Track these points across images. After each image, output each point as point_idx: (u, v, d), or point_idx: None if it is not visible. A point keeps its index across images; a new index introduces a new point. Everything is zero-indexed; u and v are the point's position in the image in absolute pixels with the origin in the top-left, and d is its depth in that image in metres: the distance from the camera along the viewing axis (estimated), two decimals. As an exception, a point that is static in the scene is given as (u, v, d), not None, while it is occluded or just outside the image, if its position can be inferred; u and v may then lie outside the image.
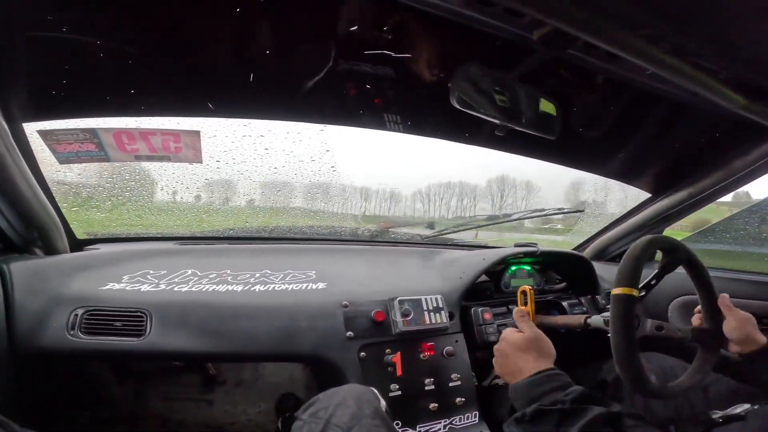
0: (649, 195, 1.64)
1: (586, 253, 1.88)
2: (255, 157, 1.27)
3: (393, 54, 0.92)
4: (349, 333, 1.12)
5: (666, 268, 0.99)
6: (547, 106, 0.94)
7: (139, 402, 1.42)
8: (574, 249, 1.94)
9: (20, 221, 1.03)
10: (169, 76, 0.99)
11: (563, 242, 2.06)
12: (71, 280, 1.05)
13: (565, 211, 1.88)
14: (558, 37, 0.66)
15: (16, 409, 0.69)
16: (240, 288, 1.16)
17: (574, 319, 1.28)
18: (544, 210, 1.86)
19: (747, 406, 0.84)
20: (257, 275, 1.23)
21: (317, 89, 1.03)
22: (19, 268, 0.99)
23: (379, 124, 1.19)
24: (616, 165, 1.53)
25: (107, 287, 1.07)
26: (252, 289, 1.17)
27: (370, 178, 1.62)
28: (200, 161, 1.19)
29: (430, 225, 1.78)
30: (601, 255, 1.87)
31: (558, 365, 1.49)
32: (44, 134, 1.00)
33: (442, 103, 0.86)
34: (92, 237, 1.33)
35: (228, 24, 0.86)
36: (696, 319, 1.07)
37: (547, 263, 1.70)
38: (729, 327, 0.95)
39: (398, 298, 1.18)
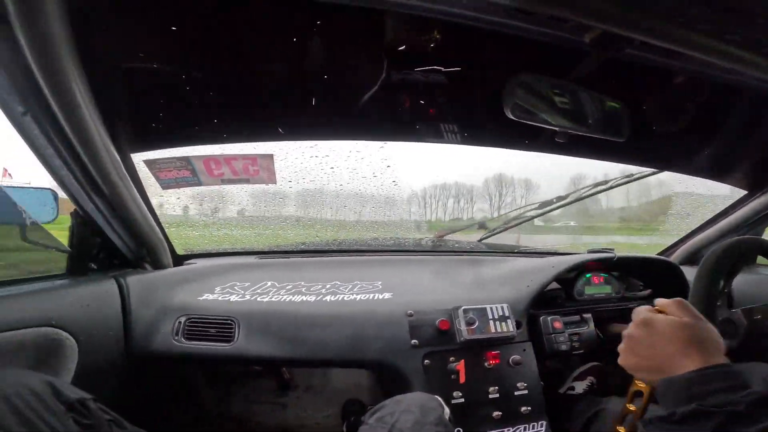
0: (744, 192, 1.46)
1: (675, 257, 1.71)
2: (322, 176, 1.38)
3: (443, 68, 0.95)
4: (414, 341, 1.15)
5: None
6: (612, 108, 0.90)
7: (224, 403, 1.55)
8: (660, 253, 1.78)
9: (133, 240, 1.20)
10: (244, 106, 1.11)
11: (647, 246, 1.89)
12: (175, 292, 1.22)
13: (637, 176, 1.54)
14: (610, 38, 0.64)
15: (127, 407, 0.81)
16: (313, 298, 1.25)
17: None
18: (608, 182, 1.59)
19: None
20: (328, 286, 1.32)
21: (375, 108, 1.10)
22: (134, 281, 1.16)
23: (437, 137, 1.22)
24: (702, 161, 1.39)
25: (203, 297, 1.22)
26: (324, 299, 1.25)
27: (429, 190, 1.65)
28: (275, 182, 1.32)
29: (482, 225, 1.72)
30: (693, 259, 1.69)
31: (622, 380, 1.38)
32: (149, 163, 1.18)
33: (499, 113, 0.87)
34: (189, 253, 1.52)
35: (288, 54, 0.95)
36: None
37: (629, 270, 1.58)
38: None
39: (463, 307, 1.18)
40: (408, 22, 0.89)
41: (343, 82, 1.06)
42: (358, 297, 1.27)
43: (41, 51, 0.68)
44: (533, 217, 1.69)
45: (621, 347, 0.73)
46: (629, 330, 0.71)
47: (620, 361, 0.73)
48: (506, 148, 1.32)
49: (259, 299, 1.24)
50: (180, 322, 1.14)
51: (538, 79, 0.84)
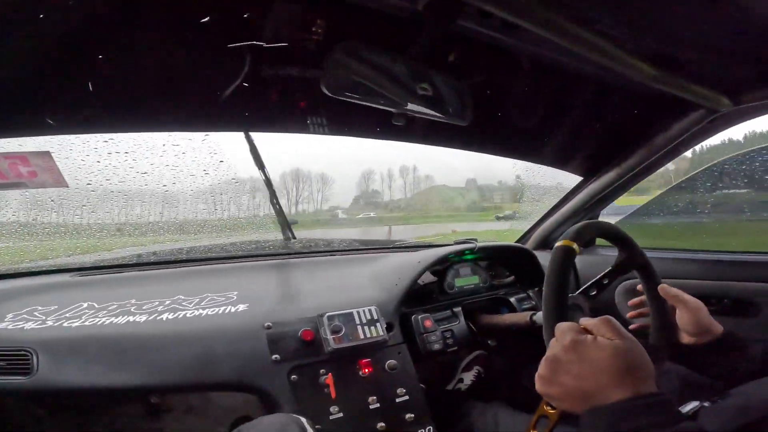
0: (580, 178, 1.64)
1: (530, 243, 1.86)
2: (134, 176, 1.11)
3: (264, 45, 0.79)
4: (275, 356, 1.01)
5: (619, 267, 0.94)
6: (452, 89, 0.85)
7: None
8: (517, 240, 1.92)
9: None
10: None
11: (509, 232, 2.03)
12: None
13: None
14: (446, 4, 0.58)
15: None
16: (143, 318, 1.03)
17: (520, 317, 1.23)
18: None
19: (696, 403, 0.78)
20: (167, 302, 1.10)
21: (186, 92, 0.90)
22: None
23: (264, 126, 1.06)
24: (541, 149, 1.51)
25: (-15, 327, 0.93)
26: (159, 318, 1.04)
27: (283, 183, 1.51)
28: (65, 185, 1.04)
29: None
30: (544, 244, 1.86)
31: (511, 366, 1.46)
32: None
33: (324, 95, 0.74)
34: (-28, 274, 1.14)
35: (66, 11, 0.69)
36: (635, 306, 1.03)
37: (492, 258, 1.66)
38: (682, 319, 0.89)
39: (327, 314, 1.08)
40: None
41: (142, 56, 0.81)
42: (205, 312, 1.08)
43: None
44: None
45: (541, 373, 0.64)
46: (554, 353, 0.63)
47: (539, 388, 0.64)
48: (331, 134, 1.17)
49: (66, 324, 0.99)
50: None
51: (365, 51, 0.72)
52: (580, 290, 0.96)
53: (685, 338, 0.91)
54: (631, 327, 0.99)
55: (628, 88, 0.93)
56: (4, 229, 1.17)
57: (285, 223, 1.47)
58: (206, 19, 0.72)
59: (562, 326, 0.65)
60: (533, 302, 1.51)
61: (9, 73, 0.76)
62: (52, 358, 0.92)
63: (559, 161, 1.58)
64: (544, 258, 1.60)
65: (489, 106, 1.10)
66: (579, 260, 1.20)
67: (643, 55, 0.74)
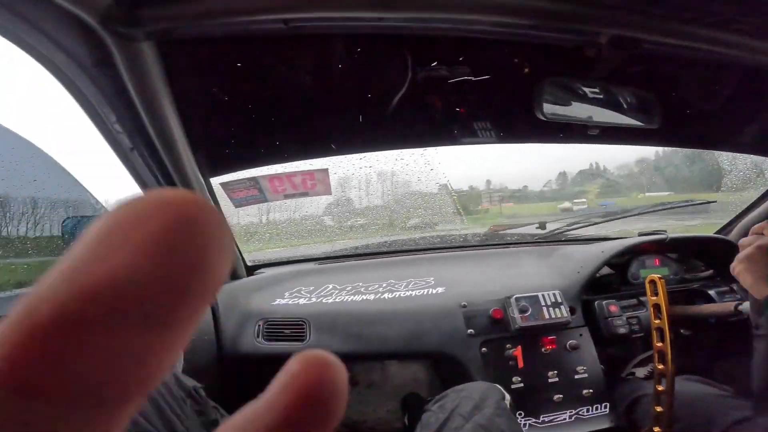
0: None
1: (733, 235, 1.65)
2: (371, 184, 1.49)
3: (473, 78, 1.02)
4: (470, 331, 1.21)
5: None
6: (639, 97, 0.93)
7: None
8: (716, 233, 1.72)
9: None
10: (298, 128, 1.24)
11: (701, 226, 1.83)
12: (251, 299, 1.37)
13: (696, 202, 1.70)
14: (623, 39, 0.68)
15: (224, 404, 0.89)
16: (372, 297, 1.35)
17: (723, 306, 1.17)
18: (669, 203, 1.70)
19: None
20: (384, 285, 1.41)
21: (415, 119, 1.20)
22: (220, 292, 1.32)
23: (473, 138, 1.29)
24: (745, 137, 1.35)
25: (276, 302, 1.35)
26: (382, 296, 1.35)
27: (474, 188, 1.72)
28: (330, 194, 1.44)
29: (542, 225, 1.77)
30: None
31: (705, 359, 1.35)
32: (224, 186, 1.32)
33: (531, 113, 0.93)
34: (257, 263, 1.68)
35: (331, 83, 1.08)
36: None
37: (685, 251, 1.55)
38: None
39: (515, 296, 1.23)
40: (437, 42, 0.97)
41: (385, 101, 1.15)
42: (413, 293, 1.35)
43: (143, 91, 0.77)
44: (595, 224, 1.77)
45: (735, 265, 0.91)
46: (747, 252, 0.89)
47: (735, 273, 0.91)
48: (543, 142, 1.37)
49: (324, 301, 1.35)
50: (259, 326, 1.28)
51: (566, 80, 0.88)
52: None
53: None
54: None
55: None
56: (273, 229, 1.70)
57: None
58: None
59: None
60: (738, 296, 1.37)
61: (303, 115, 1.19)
62: (318, 328, 1.25)
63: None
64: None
65: (679, 105, 1.11)
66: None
67: None
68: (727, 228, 1.69)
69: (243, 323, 1.29)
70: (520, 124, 1.26)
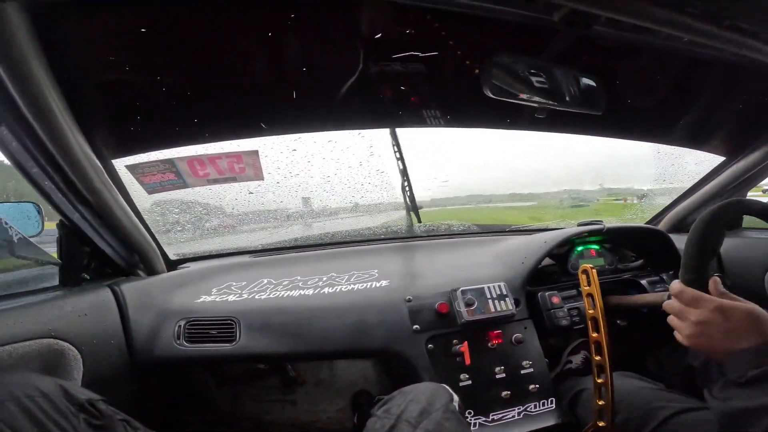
0: (723, 158, 1.50)
1: (662, 225, 1.75)
2: (307, 168, 1.37)
3: (420, 54, 0.95)
4: (416, 326, 1.16)
5: None
6: (587, 83, 0.91)
7: (236, 404, 1.55)
8: (647, 223, 1.82)
9: (123, 247, 1.19)
10: (224, 104, 1.10)
11: (633, 218, 1.93)
12: (171, 296, 1.22)
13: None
14: (579, 16, 0.65)
15: (140, 414, 0.81)
16: (311, 291, 1.26)
17: (656, 296, 1.20)
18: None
19: None
20: (324, 278, 1.32)
21: (356, 98, 1.09)
22: (129, 289, 1.15)
23: (420, 122, 1.22)
24: (679, 131, 1.43)
25: (201, 300, 1.21)
26: (322, 291, 1.26)
27: (419, 176, 1.66)
28: (262, 178, 1.31)
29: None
30: (680, 226, 1.73)
31: (638, 347, 1.42)
32: (132, 168, 1.15)
33: (479, 95, 0.87)
34: (181, 257, 1.51)
35: (265, 48, 0.95)
36: None
37: (619, 241, 1.61)
38: None
39: (461, 289, 1.19)
40: (383, 10, 0.88)
41: (322, 74, 1.05)
42: (356, 286, 1.28)
43: (8, 58, 0.69)
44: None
45: (690, 331, 0.77)
46: (703, 316, 0.75)
47: (688, 341, 0.78)
48: (488, 127, 1.34)
49: (257, 297, 1.24)
50: (180, 326, 1.14)
51: (514, 59, 0.85)
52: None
53: None
54: None
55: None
56: (209, 221, 1.53)
57: (414, 210, 1.64)
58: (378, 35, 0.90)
59: (705, 297, 0.77)
60: (666, 285, 1.44)
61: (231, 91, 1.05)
62: (249, 327, 1.14)
63: (698, 141, 1.48)
64: (679, 240, 1.51)
65: (623, 94, 1.11)
66: (726, 243, 1.11)
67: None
68: (657, 218, 1.79)
69: (159, 324, 1.14)
70: (468, 108, 1.21)
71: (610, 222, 1.50)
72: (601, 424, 1.00)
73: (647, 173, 1.82)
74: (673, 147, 1.56)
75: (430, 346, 1.15)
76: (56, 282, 1.08)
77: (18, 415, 0.62)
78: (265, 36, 0.91)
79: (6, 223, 1.03)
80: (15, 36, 0.67)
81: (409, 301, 1.20)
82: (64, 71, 0.80)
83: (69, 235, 1.07)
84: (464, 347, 1.15)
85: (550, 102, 0.89)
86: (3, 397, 0.64)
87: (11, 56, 0.69)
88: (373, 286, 1.28)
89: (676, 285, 0.80)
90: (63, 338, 0.89)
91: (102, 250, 1.13)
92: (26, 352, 0.83)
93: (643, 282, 1.44)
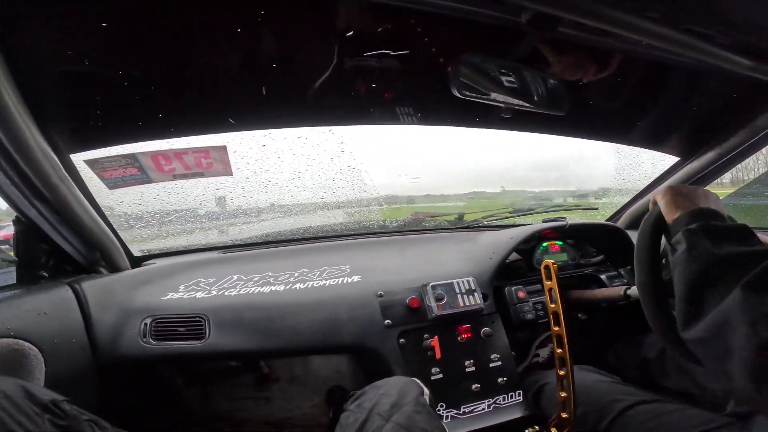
0: (677, 159, 1.59)
1: (620, 222, 1.84)
2: (278, 164, 1.36)
3: (392, 52, 0.96)
4: (387, 321, 1.18)
5: None
6: (553, 84, 0.95)
7: (207, 403, 1.53)
8: (608, 220, 1.91)
9: (83, 244, 1.15)
10: (190, 97, 1.07)
11: (595, 214, 2.02)
12: (136, 294, 1.18)
13: (582, 207, 1.92)
14: (544, 18, 0.67)
15: (107, 414, 0.79)
16: (282, 287, 1.25)
17: (613, 291, 1.26)
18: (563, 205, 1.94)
19: None
20: (296, 274, 1.31)
21: (328, 94, 1.09)
22: (90, 287, 1.11)
23: (391, 119, 1.23)
24: (637, 132, 1.50)
25: (167, 297, 1.18)
26: (293, 287, 1.25)
27: (390, 173, 1.67)
28: (230, 174, 1.27)
29: (460, 216, 1.80)
30: (636, 223, 1.82)
31: (598, 340, 1.50)
32: (91, 163, 1.10)
33: (448, 93, 0.88)
34: (147, 253, 1.46)
35: (235, 40, 0.92)
36: None
37: (581, 237, 1.68)
38: None
39: (431, 284, 1.22)
40: (353, 6, 0.88)
41: (292, 70, 1.04)
42: (328, 282, 1.28)
43: None
44: (506, 217, 1.88)
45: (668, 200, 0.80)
46: (670, 195, 0.79)
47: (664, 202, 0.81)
48: (456, 126, 1.36)
49: (227, 293, 1.22)
50: (146, 324, 1.11)
51: (482, 59, 0.87)
52: None
53: None
54: None
55: (727, 73, 0.93)
56: (175, 217, 1.48)
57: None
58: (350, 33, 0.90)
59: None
60: (624, 280, 1.52)
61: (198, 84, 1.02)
62: (219, 324, 1.12)
63: (655, 142, 1.57)
64: (636, 238, 1.59)
65: (585, 95, 1.16)
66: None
67: (739, 49, 0.75)
68: (617, 215, 1.88)
69: (124, 322, 1.11)
70: (438, 106, 1.23)
71: (573, 219, 1.57)
72: (564, 415, 1.05)
73: (608, 173, 1.91)
74: (631, 147, 1.64)
75: (401, 340, 1.17)
76: (13, 281, 1.03)
77: None
78: (235, 28, 0.88)
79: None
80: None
81: (381, 296, 1.21)
82: (19, 62, 0.76)
83: (25, 231, 1.02)
84: (435, 341, 1.18)
85: (516, 102, 0.92)
86: None
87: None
88: (345, 281, 1.28)
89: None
90: (23, 338, 0.85)
91: (61, 247, 1.09)
92: (-16, 352, 0.78)
93: (603, 277, 1.52)
